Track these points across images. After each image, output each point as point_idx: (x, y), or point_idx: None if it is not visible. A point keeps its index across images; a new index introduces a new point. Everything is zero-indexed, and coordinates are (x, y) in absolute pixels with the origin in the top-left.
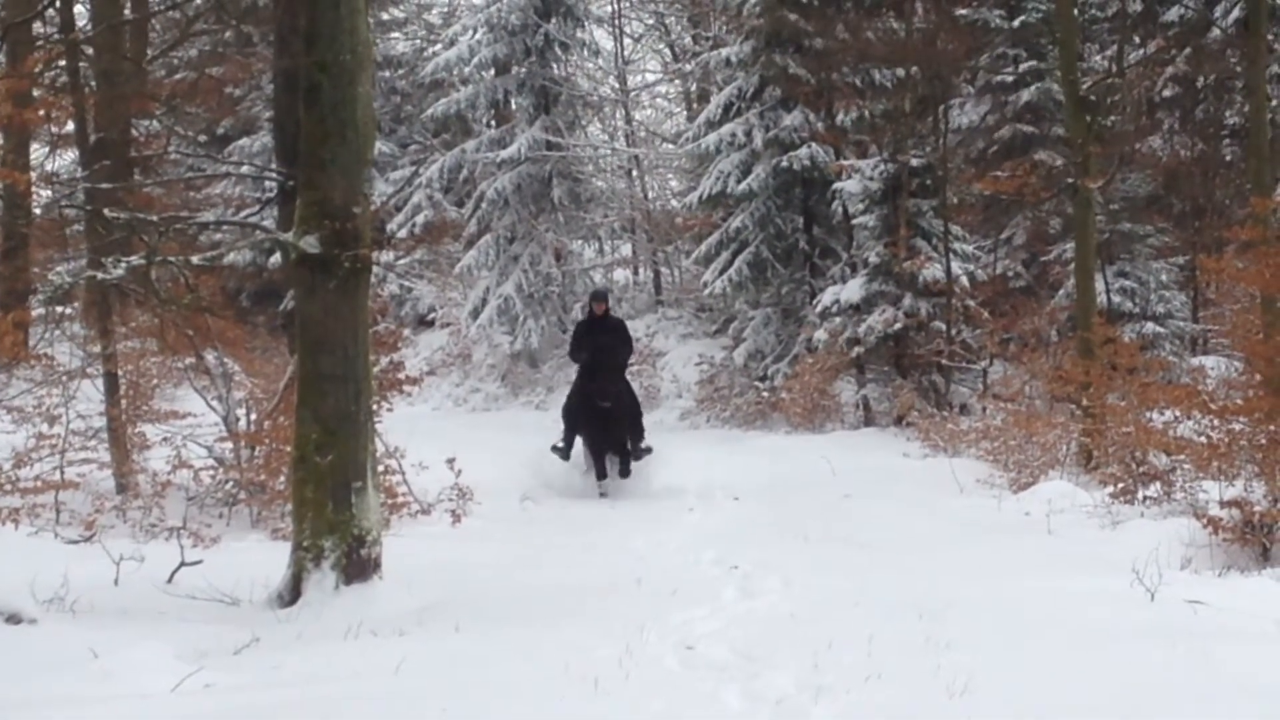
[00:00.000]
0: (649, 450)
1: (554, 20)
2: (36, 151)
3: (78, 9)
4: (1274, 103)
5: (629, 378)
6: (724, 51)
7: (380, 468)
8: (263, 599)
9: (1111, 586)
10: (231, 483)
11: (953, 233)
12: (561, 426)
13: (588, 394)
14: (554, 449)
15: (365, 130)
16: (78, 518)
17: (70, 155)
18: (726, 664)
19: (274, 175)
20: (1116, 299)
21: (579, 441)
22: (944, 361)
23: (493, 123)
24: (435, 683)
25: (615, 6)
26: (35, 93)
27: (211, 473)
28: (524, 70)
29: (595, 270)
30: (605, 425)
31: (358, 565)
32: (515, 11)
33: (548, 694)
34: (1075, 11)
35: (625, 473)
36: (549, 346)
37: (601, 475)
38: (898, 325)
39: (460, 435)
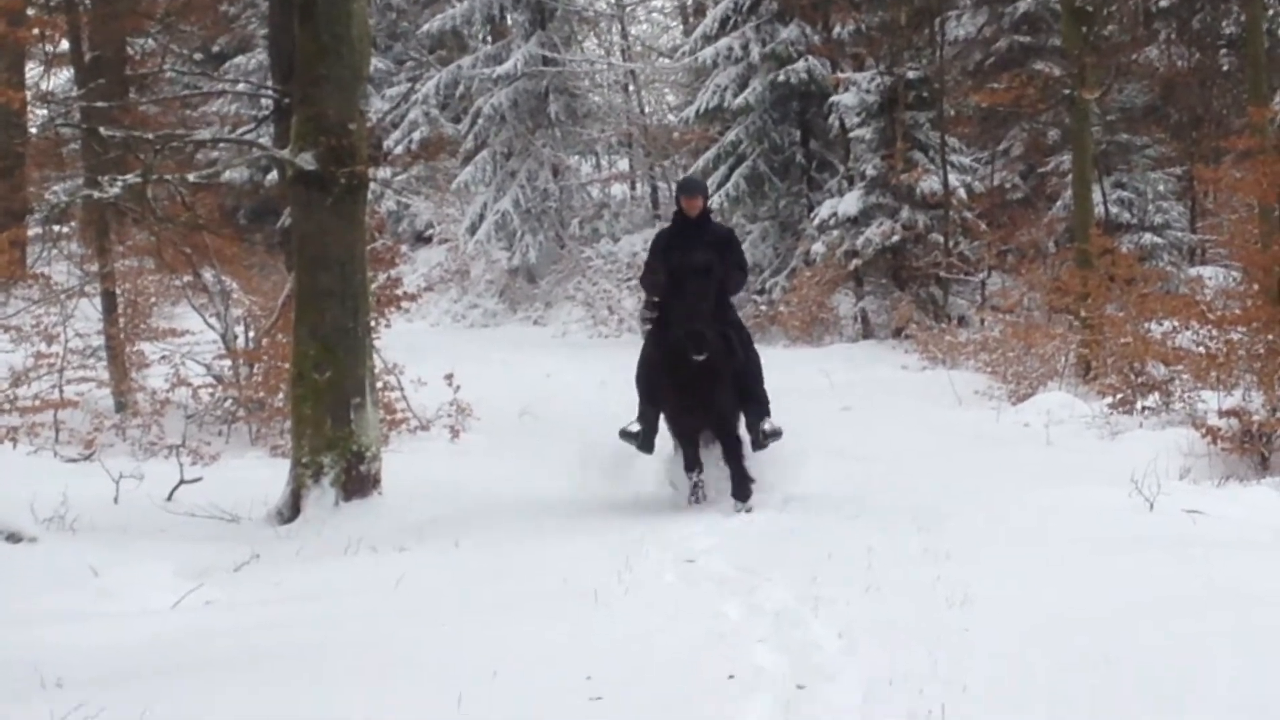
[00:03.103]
0: (777, 435)
1: None
2: (32, 70)
3: None
4: (1270, 12)
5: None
6: None
7: (379, 384)
8: (262, 516)
9: (1110, 497)
10: (230, 400)
11: (950, 145)
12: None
13: (669, 346)
14: (625, 435)
15: (360, 46)
16: (77, 436)
17: (65, 74)
18: (726, 577)
19: (270, 92)
20: (1114, 210)
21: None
22: (942, 274)
23: (489, 38)
24: (435, 598)
25: None
26: (30, 11)
27: (210, 390)
28: None
29: (593, 185)
30: (697, 394)
31: (357, 481)
32: None
33: (548, 608)
34: None
35: (740, 489)
36: (547, 261)
37: (692, 468)
38: (895, 238)
39: (459, 351)
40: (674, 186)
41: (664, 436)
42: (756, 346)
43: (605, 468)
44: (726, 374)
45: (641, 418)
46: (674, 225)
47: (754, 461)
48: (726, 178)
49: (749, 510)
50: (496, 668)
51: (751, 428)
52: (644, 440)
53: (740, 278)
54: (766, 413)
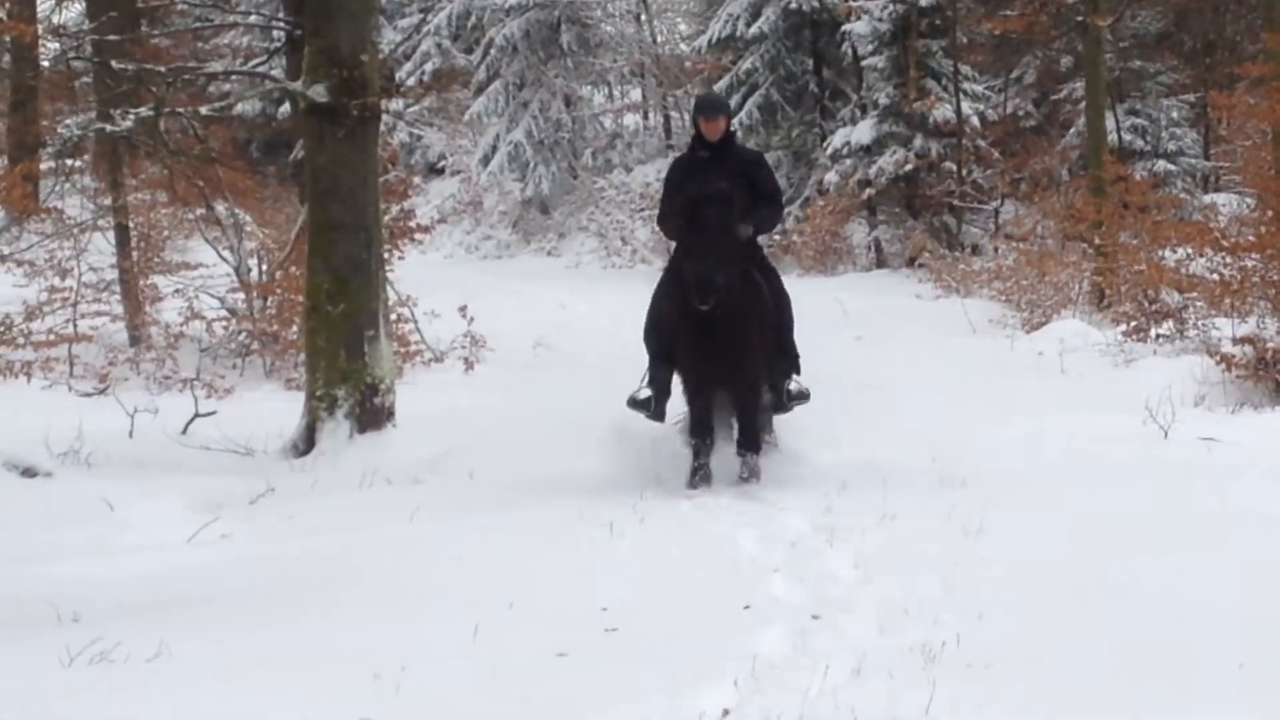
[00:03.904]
0: (804, 397)
1: None
2: (43, 3)
3: None
4: None
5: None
6: None
7: (393, 316)
8: (277, 449)
9: (1125, 425)
10: (244, 334)
11: (962, 73)
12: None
13: (686, 291)
14: (633, 403)
15: None
16: (91, 370)
17: (77, 7)
18: (741, 509)
19: (281, 24)
20: (1127, 137)
21: (677, 383)
22: (955, 202)
23: None
24: (449, 530)
25: None
26: None
27: (224, 324)
28: None
29: (605, 115)
30: (721, 346)
31: (371, 414)
32: None
33: (564, 539)
34: None
35: (749, 440)
36: (560, 192)
37: (701, 436)
38: (909, 166)
39: (472, 283)
40: (689, 112)
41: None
42: None
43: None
44: (754, 323)
45: (652, 381)
46: (691, 151)
47: (774, 428)
48: (740, 107)
49: (756, 478)
50: (513, 599)
51: (775, 386)
52: (656, 407)
53: (774, 212)
54: (796, 369)
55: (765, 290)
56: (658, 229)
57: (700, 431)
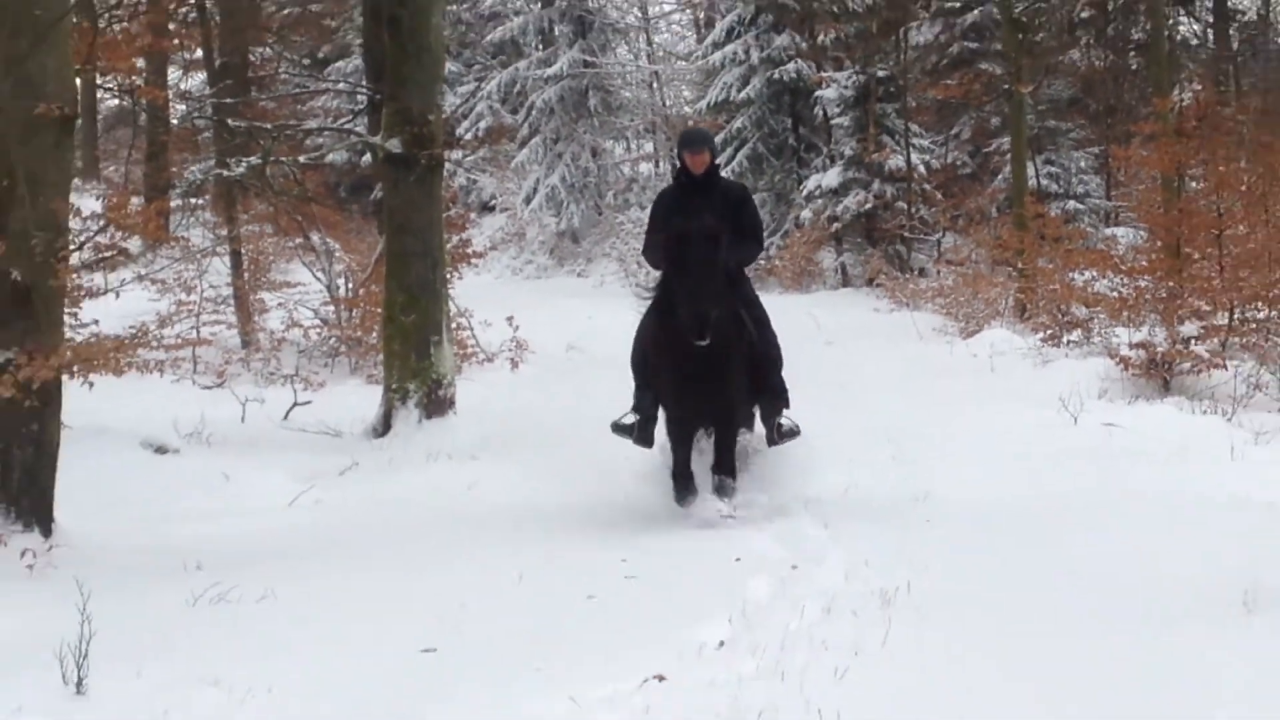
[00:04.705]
0: (794, 433)
1: None
2: (173, 74)
3: None
4: (1170, 21)
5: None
6: None
7: (453, 325)
8: (360, 431)
9: (1042, 414)
10: (334, 338)
11: (912, 130)
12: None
13: (672, 327)
14: (617, 428)
15: (437, 53)
16: (210, 368)
17: (199, 76)
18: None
19: (364, 90)
20: (1044, 182)
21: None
22: (905, 234)
23: (540, 46)
24: (501, 497)
25: None
26: (170, 25)
27: (317, 330)
28: (565, 2)
29: (624, 164)
30: (703, 383)
31: (436, 404)
32: None
33: (592, 505)
34: None
35: (720, 484)
36: (588, 226)
37: (683, 477)
38: (868, 205)
39: (517, 299)
40: (678, 143)
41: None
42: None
43: (580, 498)
44: (737, 360)
45: (637, 406)
46: (677, 184)
47: (764, 457)
48: (732, 157)
49: (729, 496)
50: (552, 552)
51: (766, 421)
52: (640, 432)
53: (753, 248)
54: (785, 404)
55: (749, 326)
56: (643, 258)
57: (679, 474)
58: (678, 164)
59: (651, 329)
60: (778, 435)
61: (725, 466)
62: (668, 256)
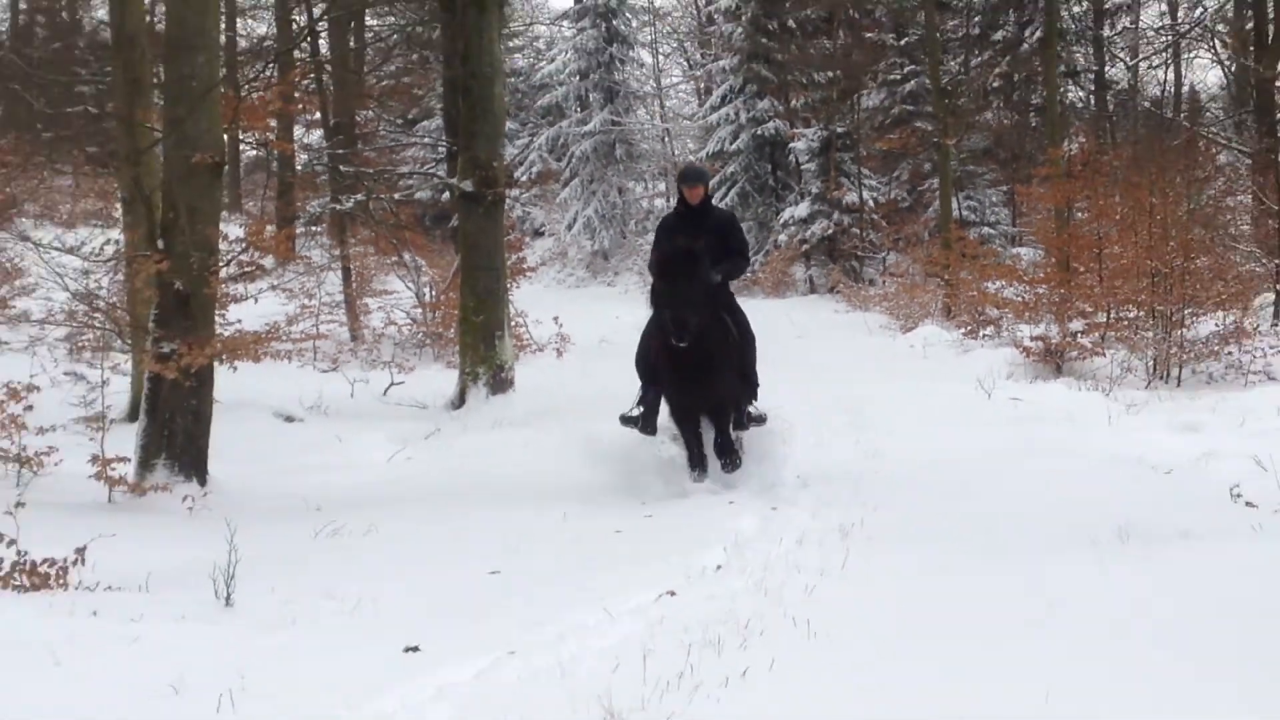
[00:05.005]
0: (761, 420)
1: (615, 45)
2: (298, 130)
3: (321, 41)
4: (1061, 89)
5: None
6: (721, 62)
7: (512, 323)
8: (441, 405)
9: (964, 390)
10: (421, 333)
11: (863, 173)
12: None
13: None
14: (625, 420)
15: (499, 114)
16: (327, 356)
17: (318, 133)
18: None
19: (444, 143)
20: (965, 212)
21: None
22: (859, 253)
23: (578, 109)
24: (550, 455)
25: (653, 35)
26: (295, 94)
27: (409, 327)
28: (597, 76)
29: (643, 199)
30: (692, 377)
31: (500, 383)
32: (591, 40)
33: (618, 459)
34: (937, 34)
35: (727, 462)
36: (615, 247)
37: (695, 455)
38: (830, 231)
39: (561, 303)
40: (677, 178)
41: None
42: (742, 299)
43: (610, 458)
44: (723, 358)
45: (641, 400)
46: (676, 212)
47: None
48: (725, 195)
49: (735, 468)
50: (588, 497)
51: (738, 409)
52: (645, 422)
53: (740, 263)
54: (754, 396)
55: (732, 331)
56: (647, 271)
57: (692, 453)
58: (678, 194)
59: (652, 334)
60: (746, 420)
61: (726, 449)
62: (657, 271)
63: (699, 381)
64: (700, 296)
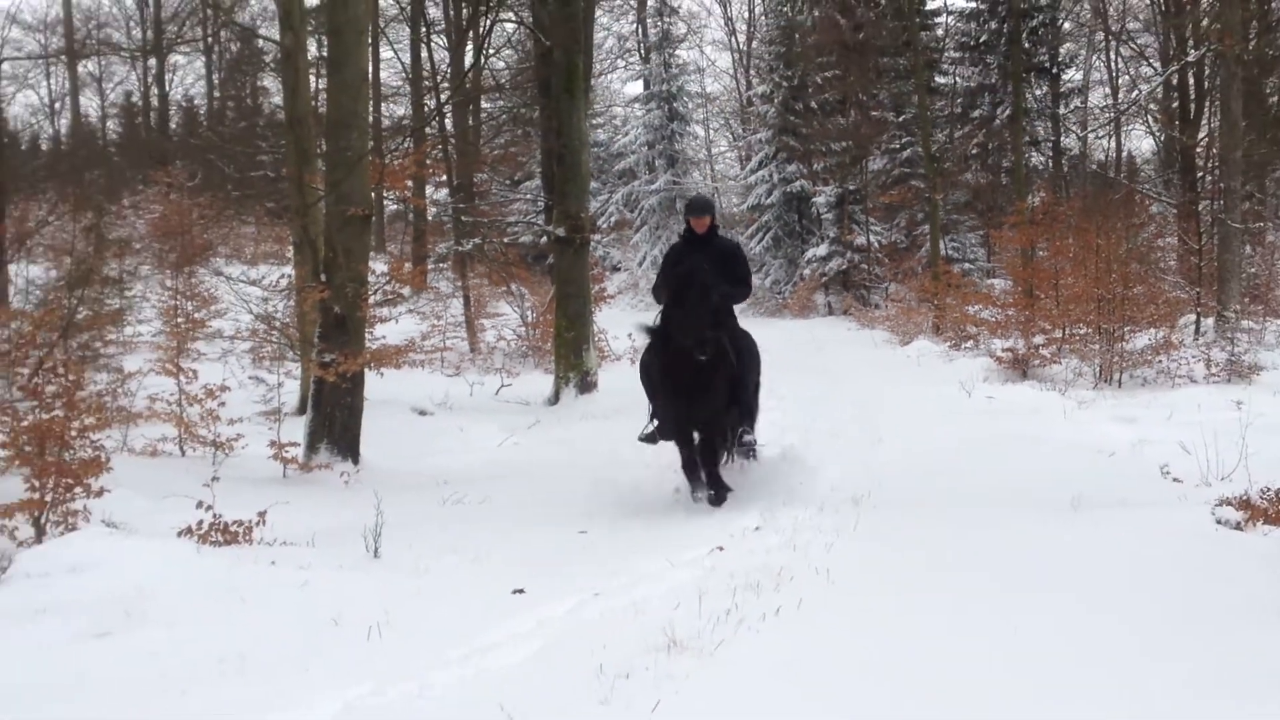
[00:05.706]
0: (751, 446)
1: (675, 122)
2: (429, 190)
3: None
4: (1026, 156)
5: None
6: (758, 135)
7: (595, 338)
8: (541, 402)
9: (949, 391)
10: (525, 346)
11: (870, 221)
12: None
13: (668, 351)
14: (644, 439)
15: (585, 177)
16: (451, 364)
17: (444, 191)
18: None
19: (542, 199)
20: (950, 252)
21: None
22: (866, 284)
23: (646, 172)
24: (627, 442)
25: (705, 115)
26: (427, 161)
27: (515, 342)
28: (661, 146)
29: None
30: (690, 395)
31: (586, 385)
32: (656, 118)
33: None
34: (928, 113)
35: (716, 495)
36: None
37: (693, 475)
38: (844, 266)
39: (632, 324)
40: (684, 209)
41: None
42: (777, 320)
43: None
44: (719, 379)
45: (653, 418)
46: (684, 241)
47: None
48: (762, 238)
49: (746, 450)
50: (658, 472)
51: (731, 429)
52: (660, 434)
53: (742, 290)
54: (750, 422)
55: (731, 356)
56: (650, 295)
57: (694, 480)
58: (685, 224)
59: (652, 356)
60: (737, 445)
61: (713, 481)
62: (670, 295)
63: (689, 396)
64: (707, 315)
